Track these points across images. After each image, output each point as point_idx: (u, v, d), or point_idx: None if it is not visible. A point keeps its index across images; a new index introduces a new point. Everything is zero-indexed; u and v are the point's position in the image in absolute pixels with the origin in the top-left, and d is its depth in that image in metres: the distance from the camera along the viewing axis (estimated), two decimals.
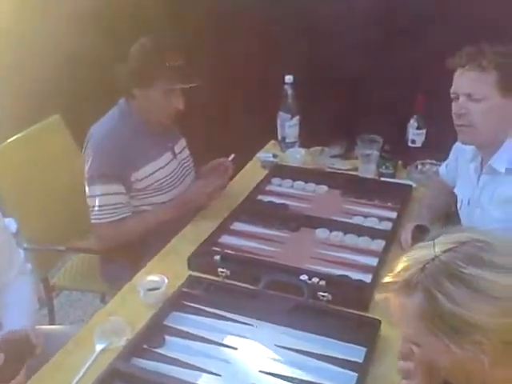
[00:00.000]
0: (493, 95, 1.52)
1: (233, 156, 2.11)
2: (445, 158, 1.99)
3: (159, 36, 1.89)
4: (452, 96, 1.61)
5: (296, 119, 2.40)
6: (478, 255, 0.87)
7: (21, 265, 1.53)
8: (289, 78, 2.34)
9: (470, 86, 1.54)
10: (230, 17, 2.70)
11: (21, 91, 3.28)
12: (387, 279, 0.93)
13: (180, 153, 2.03)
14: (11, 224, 2.08)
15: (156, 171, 1.90)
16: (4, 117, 3.52)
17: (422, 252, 0.91)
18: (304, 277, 1.54)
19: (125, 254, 1.90)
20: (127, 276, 1.84)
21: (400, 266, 0.92)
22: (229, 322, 1.44)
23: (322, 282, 1.52)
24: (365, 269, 1.63)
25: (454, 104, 1.60)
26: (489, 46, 1.55)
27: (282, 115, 2.41)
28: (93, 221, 1.86)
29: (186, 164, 2.06)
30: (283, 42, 2.64)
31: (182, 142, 2.08)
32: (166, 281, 1.51)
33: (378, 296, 0.95)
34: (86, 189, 1.85)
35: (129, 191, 1.86)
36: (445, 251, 0.88)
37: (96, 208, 1.84)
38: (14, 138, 2.10)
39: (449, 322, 0.85)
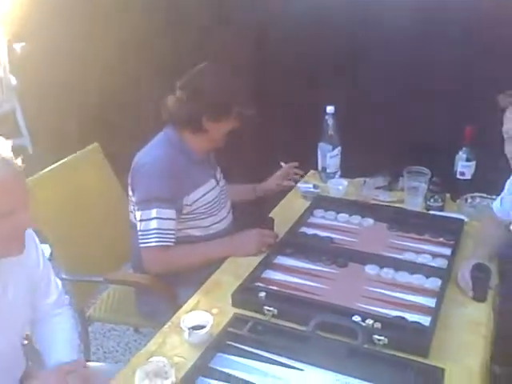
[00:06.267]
0: None
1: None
2: (496, 191, 1.89)
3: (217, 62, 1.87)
4: (504, 136, 1.53)
5: (337, 150, 2.33)
6: None
7: (59, 295, 1.47)
8: (330, 109, 2.27)
9: None
10: (270, 46, 2.68)
11: (62, 119, 3.29)
12: None
13: (220, 180, 2.03)
14: (46, 250, 2.04)
15: (203, 196, 1.89)
16: (45, 144, 3.56)
17: None
18: (357, 318, 1.44)
19: (160, 286, 1.84)
20: (163, 310, 1.79)
21: None
22: (276, 366, 1.34)
23: (377, 324, 1.41)
24: (421, 310, 1.53)
25: (506, 144, 1.51)
26: None
27: (322, 146, 2.33)
28: (143, 245, 1.81)
29: (224, 191, 2.04)
30: (324, 71, 2.60)
31: (219, 170, 2.07)
32: (211, 320, 1.42)
33: None
34: (138, 213, 1.81)
35: (178, 216, 1.83)
36: None
37: (149, 232, 1.79)
38: (53, 166, 2.07)
39: None
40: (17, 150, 3.85)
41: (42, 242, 1.93)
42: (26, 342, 1.49)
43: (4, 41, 4.24)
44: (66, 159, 2.13)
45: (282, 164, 2.32)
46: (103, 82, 3.09)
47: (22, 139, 4.50)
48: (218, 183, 1.99)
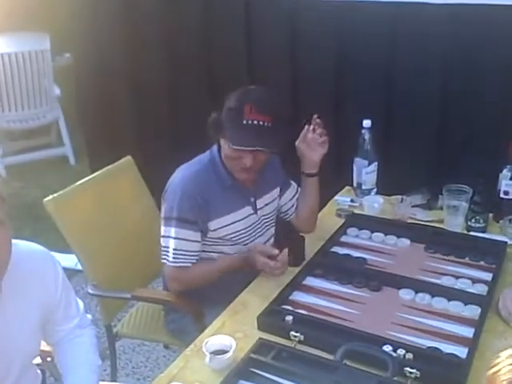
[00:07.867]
0: None
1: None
2: None
3: (257, 89, 1.77)
4: None
5: (374, 165, 2.25)
6: None
7: (81, 317, 1.45)
8: (367, 123, 2.20)
9: None
10: (304, 60, 2.63)
11: (105, 131, 3.34)
12: None
13: (261, 208, 1.90)
14: (72, 260, 2.03)
15: (232, 223, 1.81)
16: (87, 155, 3.62)
17: None
18: (388, 347, 1.37)
19: (187, 305, 1.81)
20: (190, 328, 1.75)
21: None
22: None
23: (409, 355, 1.33)
24: (458, 340, 1.44)
25: None
26: None
27: (358, 161, 2.26)
28: (163, 260, 1.81)
29: (266, 220, 1.93)
30: (361, 84, 2.53)
31: (268, 197, 1.92)
32: (234, 345, 1.37)
33: None
34: (162, 228, 1.80)
35: (203, 238, 1.80)
36: None
37: (168, 249, 1.78)
38: (86, 179, 2.07)
39: None
40: (58, 161, 3.97)
41: (70, 252, 1.95)
42: (49, 358, 1.49)
43: (49, 51, 4.35)
44: (99, 172, 2.13)
45: None
46: (145, 94, 3.11)
47: (64, 149, 4.60)
48: (255, 211, 1.87)
